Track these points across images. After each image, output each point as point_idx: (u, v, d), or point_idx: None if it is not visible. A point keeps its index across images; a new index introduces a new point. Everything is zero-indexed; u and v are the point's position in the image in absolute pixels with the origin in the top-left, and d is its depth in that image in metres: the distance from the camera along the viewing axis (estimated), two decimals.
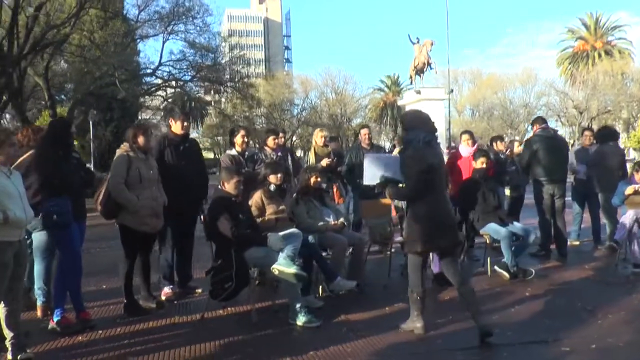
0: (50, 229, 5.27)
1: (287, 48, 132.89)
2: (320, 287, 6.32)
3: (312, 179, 6.64)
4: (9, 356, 4.39)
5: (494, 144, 9.73)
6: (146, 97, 34.35)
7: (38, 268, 5.62)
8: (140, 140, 5.83)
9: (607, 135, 9.27)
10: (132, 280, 5.87)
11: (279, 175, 6.34)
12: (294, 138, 55.28)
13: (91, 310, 5.83)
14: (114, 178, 5.66)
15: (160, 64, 29.33)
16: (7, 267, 4.24)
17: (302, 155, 11.18)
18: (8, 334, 4.43)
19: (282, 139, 8.42)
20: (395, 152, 8.14)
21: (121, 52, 25.90)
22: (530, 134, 10.70)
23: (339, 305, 5.89)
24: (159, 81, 30.98)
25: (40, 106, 28.82)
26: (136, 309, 5.80)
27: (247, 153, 7.14)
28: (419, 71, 26.56)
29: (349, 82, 61.60)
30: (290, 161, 8.27)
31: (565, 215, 8.52)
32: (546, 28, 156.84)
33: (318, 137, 9.01)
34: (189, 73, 30.85)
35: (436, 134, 5.19)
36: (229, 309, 5.82)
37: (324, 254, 6.65)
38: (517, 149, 9.85)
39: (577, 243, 9.35)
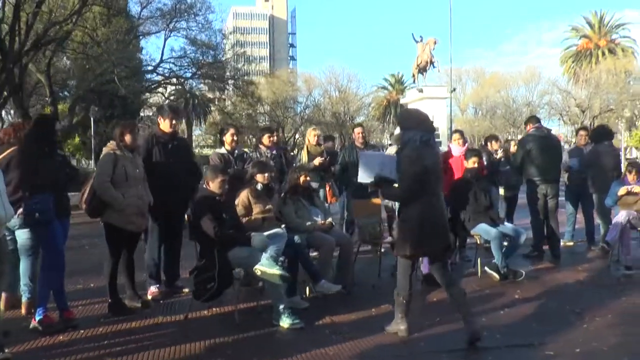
0: (32, 227, 5.24)
1: (292, 46, 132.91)
2: (307, 287, 6.27)
3: (301, 178, 6.60)
4: None
5: (489, 143, 9.67)
6: (147, 94, 34.30)
7: (23, 265, 5.61)
8: (127, 138, 5.81)
9: (601, 134, 9.20)
10: (117, 279, 5.83)
11: (266, 174, 6.29)
12: (297, 136, 55.19)
13: (76, 309, 5.81)
14: (100, 176, 5.63)
15: (161, 60, 29.34)
16: None
17: (295, 153, 11.12)
18: None
19: (275, 137, 8.36)
20: (390, 150, 8.06)
21: (123, 49, 25.90)
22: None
23: (324, 307, 5.83)
24: (160, 78, 30.96)
25: (44, 102, 28.80)
26: (121, 309, 5.75)
27: (236, 151, 7.09)
28: (422, 70, 26.51)
29: (353, 80, 61.64)
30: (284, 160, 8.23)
31: (558, 215, 8.46)
32: (551, 26, 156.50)
33: (311, 136, 8.99)
34: (190, 70, 30.82)
35: (436, 132, 5.11)
36: (213, 309, 5.76)
37: (314, 254, 6.64)
38: (513, 148, 9.78)
39: (571, 244, 9.29)
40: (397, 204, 7.59)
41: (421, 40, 26.79)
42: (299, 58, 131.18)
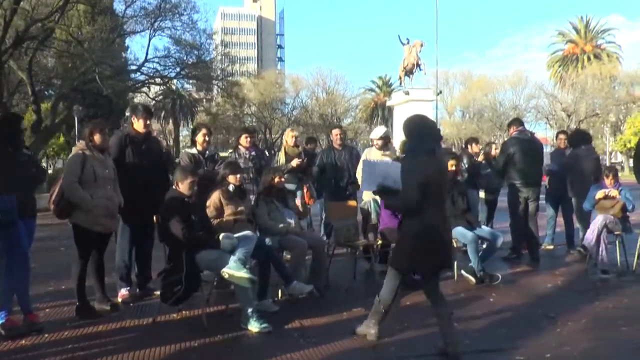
0: None
1: (279, 47, 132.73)
2: (280, 290, 6.18)
3: (275, 180, 6.51)
4: None
5: (469, 146, 9.61)
6: (131, 94, 33.98)
7: None
8: (97, 138, 5.68)
9: (579, 139, 9.17)
10: (86, 281, 5.71)
11: (238, 175, 6.19)
12: (284, 137, 55.07)
13: (44, 312, 5.71)
14: (68, 176, 5.52)
15: (146, 60, 29.08)
16: None
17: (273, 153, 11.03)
18: None
19: (253, 138, 8.27)
20: (376, 154, 7.89)
21: (107, 47, 25.62)
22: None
23: (295, 310, 5.75)
24: (144, 78, 30.69)
25: (28, 101, 28.49)
26: (88, 311, 5.63)
27: (207, 152, 6.98)
28: (409, 72, 26.56)
29: (340, 82, 61.88)
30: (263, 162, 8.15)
31: (538, 219, 8.42)
32: (540, 30, 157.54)
33: (289, 137, 8.93)
34: (174, 70, 30.58)
35: (441, 142, 4.97)
36: (183, 312, 5.66)
37: (288, 257, 6.55)
38: (495, 151, 9.75)
39: (551, 247, 9.27)
40: (370, 206, 7.55)
41: (408, 43, 26.84)
42: (286, 59, 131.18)
